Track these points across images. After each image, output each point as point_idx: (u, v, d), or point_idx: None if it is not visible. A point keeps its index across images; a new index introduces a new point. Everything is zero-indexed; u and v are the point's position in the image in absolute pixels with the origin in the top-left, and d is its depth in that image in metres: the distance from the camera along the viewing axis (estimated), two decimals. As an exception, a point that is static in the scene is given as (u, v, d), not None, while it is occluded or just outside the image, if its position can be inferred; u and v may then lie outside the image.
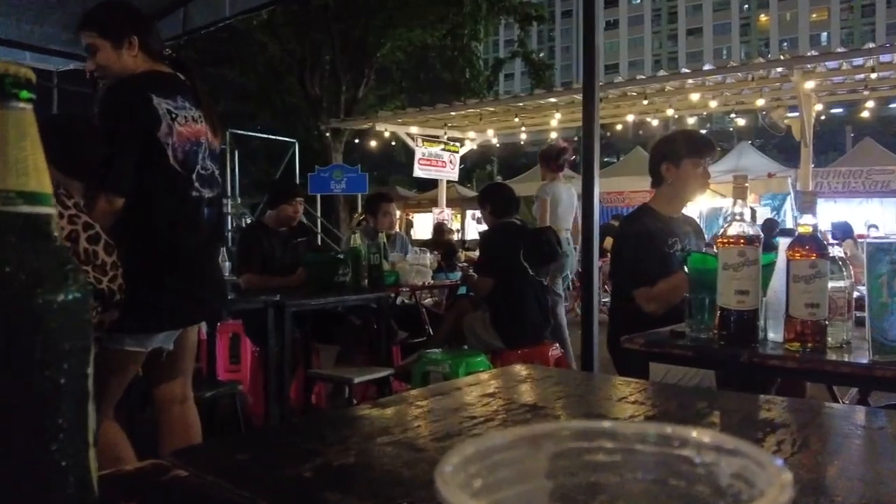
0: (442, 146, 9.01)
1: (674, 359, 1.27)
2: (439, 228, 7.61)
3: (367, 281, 2.96)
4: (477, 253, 8.12)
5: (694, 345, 1.25)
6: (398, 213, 3.71)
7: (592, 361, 2.40)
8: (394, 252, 3.49)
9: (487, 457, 0.23)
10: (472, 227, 15.15)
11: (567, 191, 4.19)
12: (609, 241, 7.34)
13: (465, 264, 3.46)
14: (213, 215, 1.67)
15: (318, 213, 10.75)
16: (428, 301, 6.43)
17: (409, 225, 15.66)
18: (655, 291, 1.82)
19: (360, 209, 11.26)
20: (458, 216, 16.13)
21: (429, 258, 3.27)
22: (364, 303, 2.99)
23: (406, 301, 3.92)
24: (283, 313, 2.39)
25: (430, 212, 10.70)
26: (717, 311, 1.22)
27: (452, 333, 3.16)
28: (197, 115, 1.64)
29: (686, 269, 1.36)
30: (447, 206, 10.34)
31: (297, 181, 8.97)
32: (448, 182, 10.79)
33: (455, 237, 9.24)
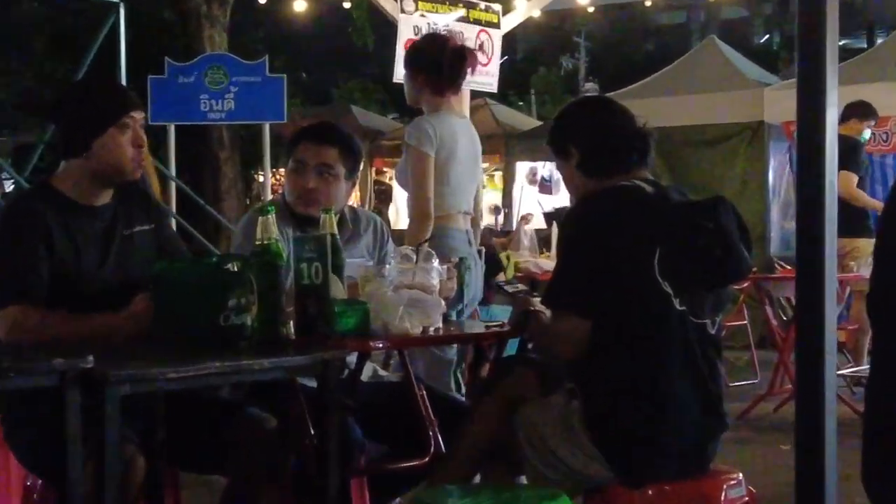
0: (461, 12, 9.05)
1: None
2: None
3: (292, 325, 3.00)
4: (547, 261, 8.16)
5: None
6: (360, 166, 3.83)
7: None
8: (352, 256, 3.54)
9: None
10: (531, 199, 15.19)
11: (465, 134, 4.56)
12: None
13: (517, 287, 3.50)
14: None
15: (173, 170, 10.79)
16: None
17: (385, 196, 15.66)
18: None
19: (269, 161, 11.30)
20: (499, 176, 16.08)
21: (437, 272, 3.29)
22: (286, 376, 3.01)
23: (383, 372, 3.93)
24: (100, 397, 2.41)
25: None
26: None
27: (491, 447, 3.19)
28: None
29: None
30: (473, 151, 10.35)
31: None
32: (475, 95, 10.81)
33: (492, 220, 9.28)
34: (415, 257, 3.25)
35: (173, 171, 10.87)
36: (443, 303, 3.29)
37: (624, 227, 3.06)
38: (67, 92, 3.59)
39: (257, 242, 2.92)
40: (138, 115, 3.15)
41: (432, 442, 3.29)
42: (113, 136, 3.08)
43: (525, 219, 11.44)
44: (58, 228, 3.05)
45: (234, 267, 2.92)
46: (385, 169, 15.87)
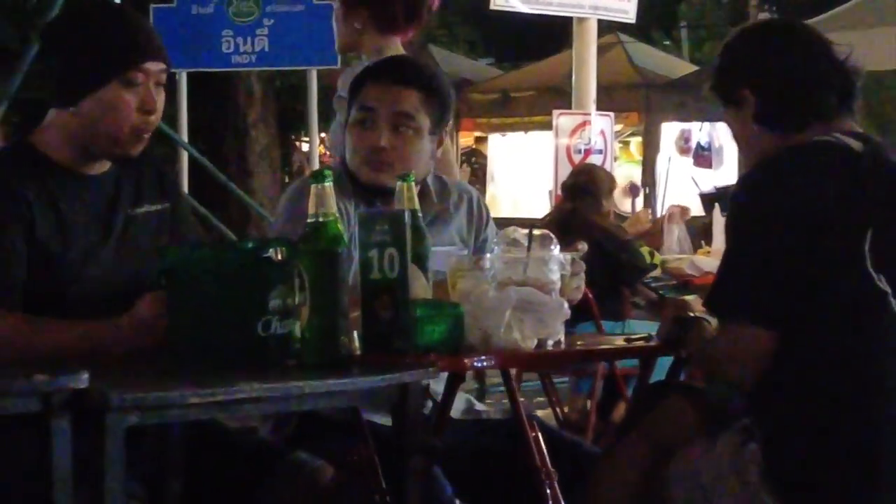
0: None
1: None
2: (585, 179, 7.71)
3: (356, 336, 3.02)
4: (707, 259, 8.20)
5: None
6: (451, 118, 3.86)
7: None
8: (440, 243, 3.62)
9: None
10: (683, 175, 15.15)
11: None
12: None
13: (666, 283, 3.49)
14: None
15: (184, 134, 10.89)
16: (539, 404, 6.43)
17: (480, 171, 15.50)
18: None
19: (316, 122, 11.33)
20: (636, 143, 15.95)
21: (557, 263, 3.30)
22: (348, 405, 3.04)
23: (481, 406, 3.93)
24: (97, 430, 2.42)
25: (548, 128, 10.78)
26: None
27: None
28: None
29: None
30: (600, 107, 10.47)
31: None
32: (603, 29, 10.77)
33: (627, 206, 9.27)
34: (527, 243, 3.25)
35: (184, 136, 10.93)
36: (566, 305, 3.27)
37: (822, 201, 3.05)
38: (64, 18, 3.57)
39: (310, 220, 2.89)
40: (155, 68, 3.14)
41: (550, 502, 3.29)
42: (114, 93, 3.09)
43: (676, 213, 10.97)
44: (40, 205, 3.07)
45: (277, 255, 2.91)
46: (479, 133, 15.66)
